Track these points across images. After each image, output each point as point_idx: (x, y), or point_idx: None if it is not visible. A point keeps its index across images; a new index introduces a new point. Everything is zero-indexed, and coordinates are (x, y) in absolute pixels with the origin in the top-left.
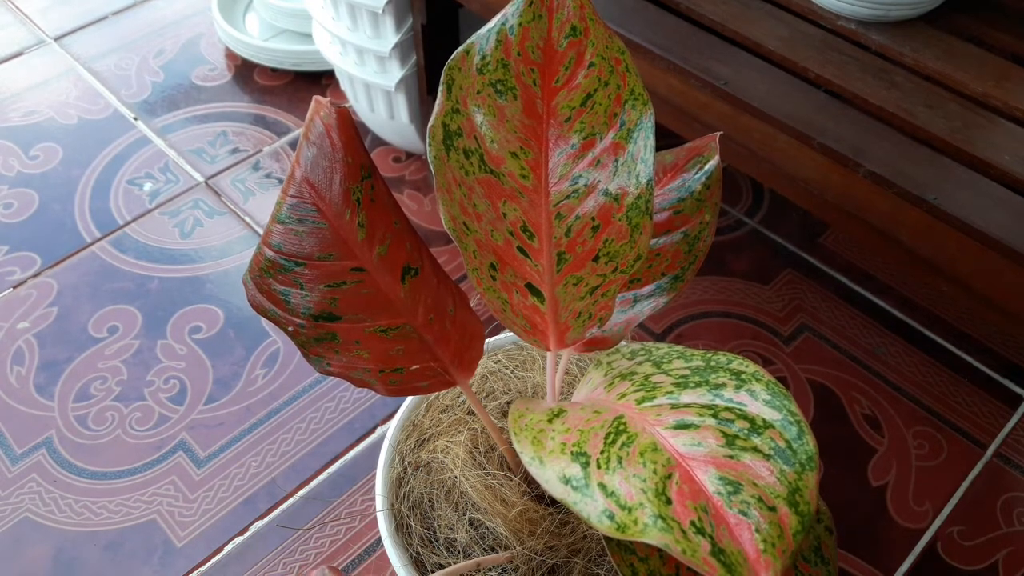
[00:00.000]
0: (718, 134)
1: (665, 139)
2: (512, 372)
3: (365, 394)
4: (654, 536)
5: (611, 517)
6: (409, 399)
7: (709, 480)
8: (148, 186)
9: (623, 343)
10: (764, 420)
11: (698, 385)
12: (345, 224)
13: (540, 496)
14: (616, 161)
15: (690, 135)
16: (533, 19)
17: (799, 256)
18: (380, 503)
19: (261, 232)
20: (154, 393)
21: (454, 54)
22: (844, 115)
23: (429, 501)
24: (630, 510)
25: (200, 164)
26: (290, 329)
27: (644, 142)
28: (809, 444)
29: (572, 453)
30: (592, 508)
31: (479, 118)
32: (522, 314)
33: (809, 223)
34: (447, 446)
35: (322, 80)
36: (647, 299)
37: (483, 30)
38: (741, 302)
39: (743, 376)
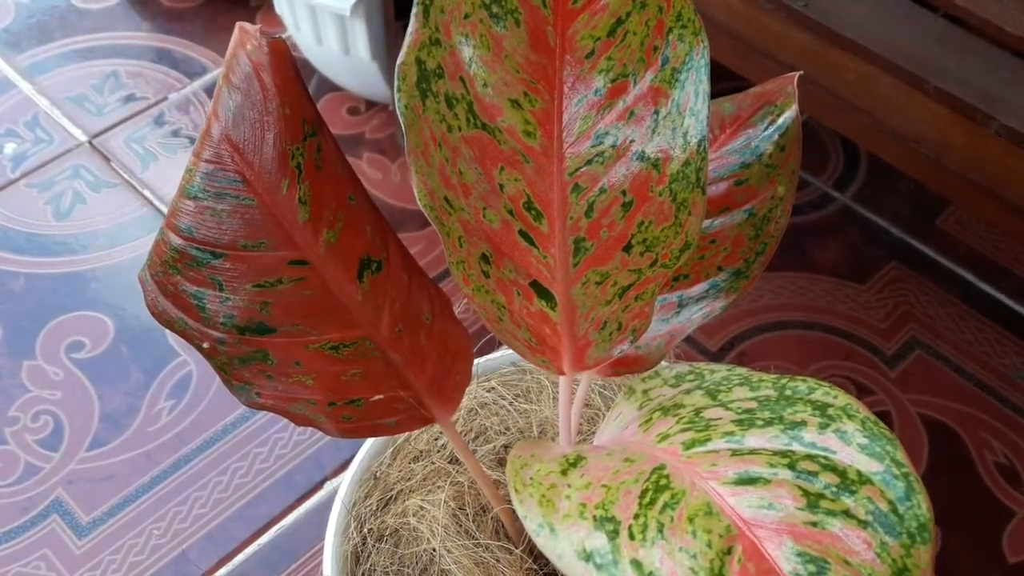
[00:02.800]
0: (796, 75)
1: (724, 82)
2: (511, 404)
3: (310, 435)
4: None
5: None
6: (369, 442)
7: (784, 556)
8: (11, 147)
9: (664, 364)
10: (859, 473)
11: (768, 423)
12: (281, 200)
13: None
14: (656, 113)
15: (758, 77)
16: None
17: (908, 244)
18: None
19: (165, 211)
20: (18, 434)
21: None
22: (971, 49)
23: None
24: None
25: (82, 117)
26: (205, 346)
27: (695, 87)
28: (921, 506)
29: (595, 518)
30: None
31: (467, 53)
32: (525, 324)
33: (922, 199)
34: (422, 507)
35: (250, 1)
36: (698, 303)
37: None
38: (828, 308)
39: (830, 411)
